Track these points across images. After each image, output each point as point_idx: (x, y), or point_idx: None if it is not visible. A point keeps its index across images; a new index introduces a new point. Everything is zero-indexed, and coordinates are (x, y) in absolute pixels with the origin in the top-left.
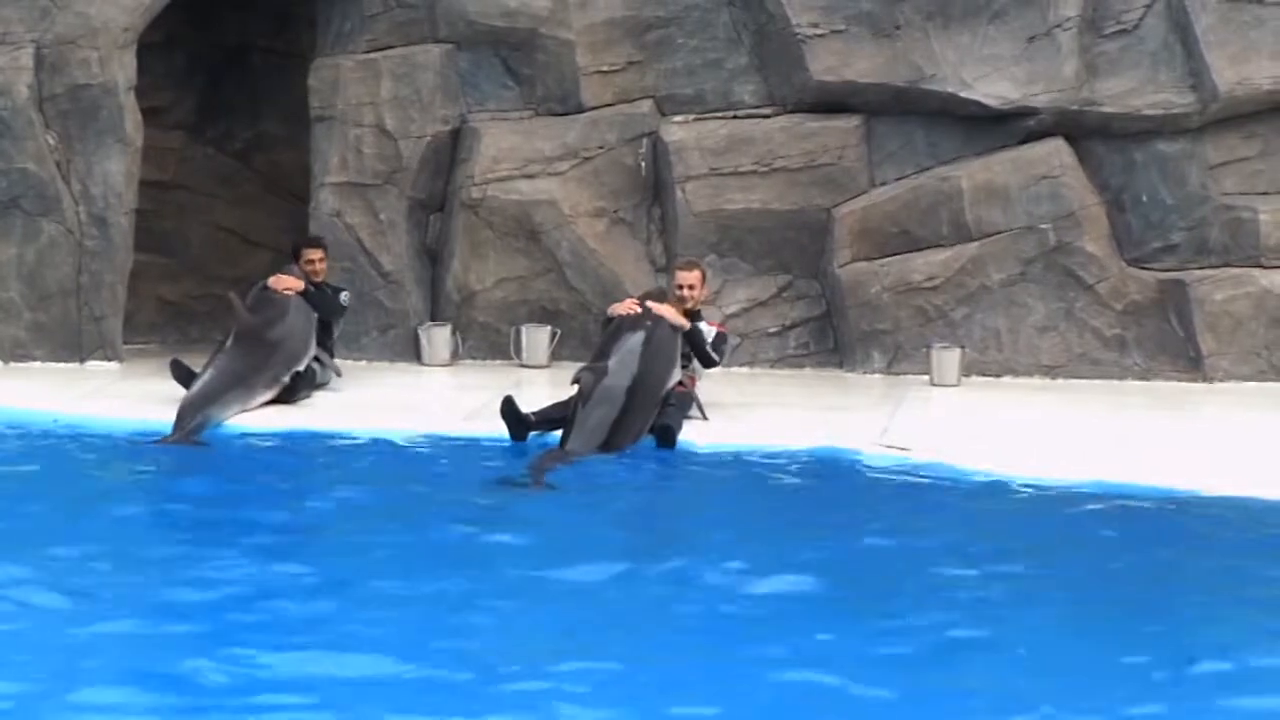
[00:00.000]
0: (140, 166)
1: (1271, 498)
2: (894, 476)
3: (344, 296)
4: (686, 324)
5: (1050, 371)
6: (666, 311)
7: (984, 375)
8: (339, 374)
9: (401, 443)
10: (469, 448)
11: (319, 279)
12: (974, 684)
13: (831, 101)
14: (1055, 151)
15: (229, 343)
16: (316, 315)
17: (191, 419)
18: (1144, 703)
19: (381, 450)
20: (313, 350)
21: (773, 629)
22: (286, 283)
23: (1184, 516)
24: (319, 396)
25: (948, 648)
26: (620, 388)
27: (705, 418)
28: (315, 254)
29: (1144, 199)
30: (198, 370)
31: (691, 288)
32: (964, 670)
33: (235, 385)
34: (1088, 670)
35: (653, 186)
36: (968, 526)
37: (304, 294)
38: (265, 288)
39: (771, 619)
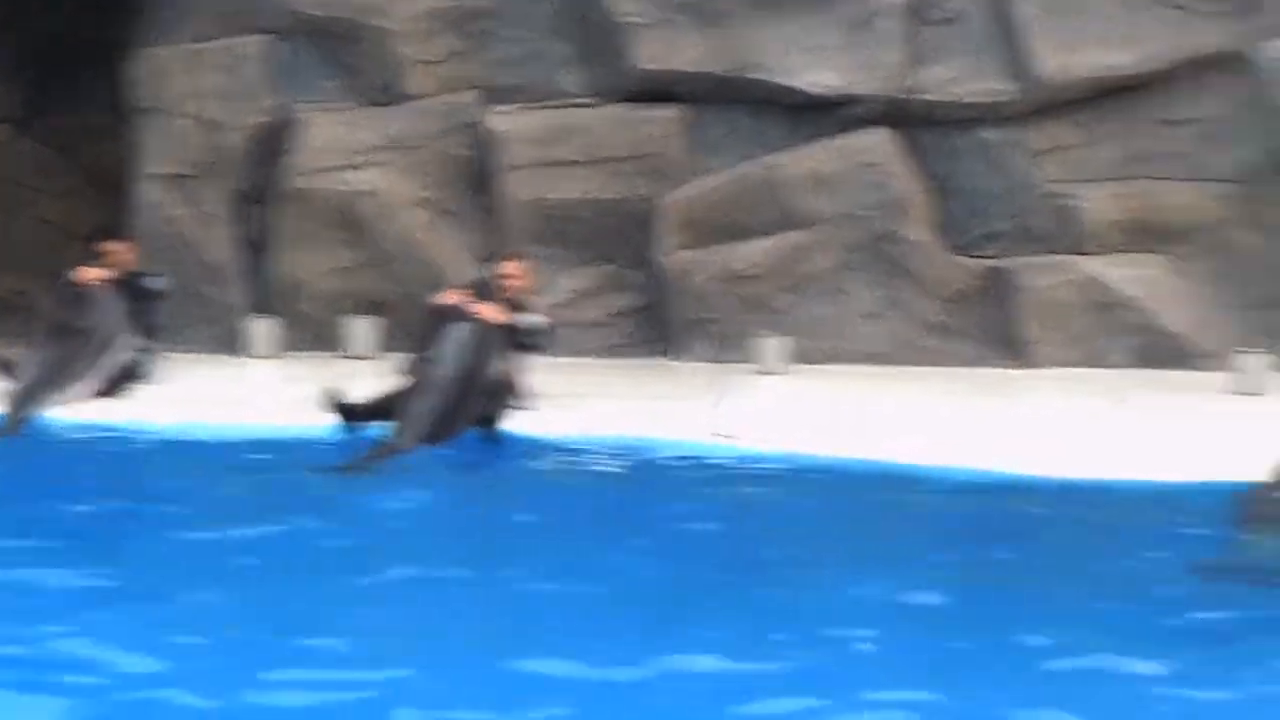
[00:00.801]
0: None
1: (1093, 479)
2: (719, 465)
3: (156, 281)
4: (507, 319)
5: (876, 359)
6: (485, 310)
7: (810, 363)
8: (164, 358)
9: (224, 436)
10: (294, 440)
11: (124, 270)
12: (792, 670)
13: (656, 91)
14: (880, 140)
15: (41, 337)
16: (130, 304)
17: (20, 411)
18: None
19: (203, 443)
20: (129, 338)
21: (590, 615)
22: (90, 274)
23: (1005, 500)
24: (141, 389)
25: (764, 627)
26: (446, 379)
27: (532, 408)
28: (114, 246)
29: (968, 187)
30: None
31: (514, 278)
32: (781, 653)
33: (52, 377)
34: (926, 664)
35: (477, 177)
36: (789, 513)
37: (112, 283)
38: (70, 283)
39: (592, 607)
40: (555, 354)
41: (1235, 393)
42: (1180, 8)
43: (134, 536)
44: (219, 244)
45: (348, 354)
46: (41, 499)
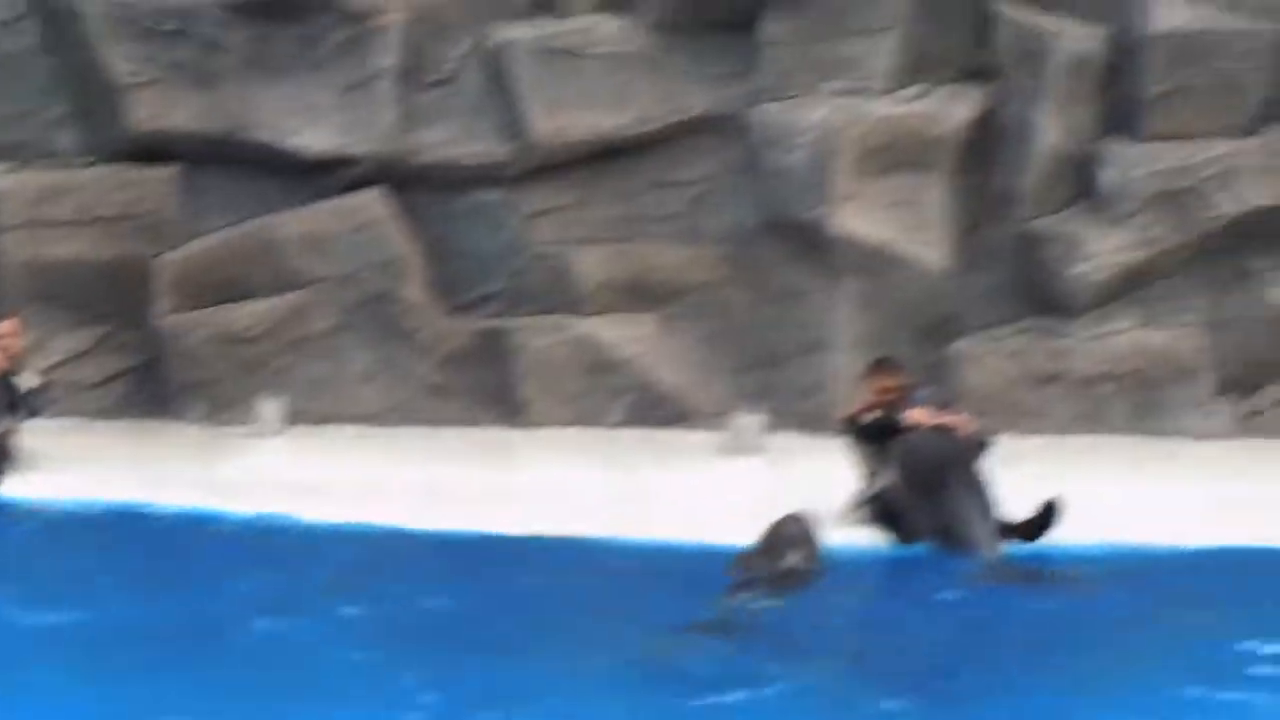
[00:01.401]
0: None
1: (586, 537)
2: (205, 528)
3: None
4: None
5: (374, 419)
6: None
7: (308, 424)
8: None
9: None
10: None
11: None
12: None
13: (153, 150)
14: (375, 201)
15: None
16: None
17: None
18: None
19: None
20: None
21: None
22: None
23: (493, 560)
24: None
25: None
26: None
27: (25, 471)
28: None
29: (465, 248)
30: None
31: (8, 339)
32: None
33: None
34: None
35: None
36: (288, 575)
37: None
38: None
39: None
40: (50, 415)
41: (729, 453)
42: (673, 71)
43: None
44: None
45: None
46: None
